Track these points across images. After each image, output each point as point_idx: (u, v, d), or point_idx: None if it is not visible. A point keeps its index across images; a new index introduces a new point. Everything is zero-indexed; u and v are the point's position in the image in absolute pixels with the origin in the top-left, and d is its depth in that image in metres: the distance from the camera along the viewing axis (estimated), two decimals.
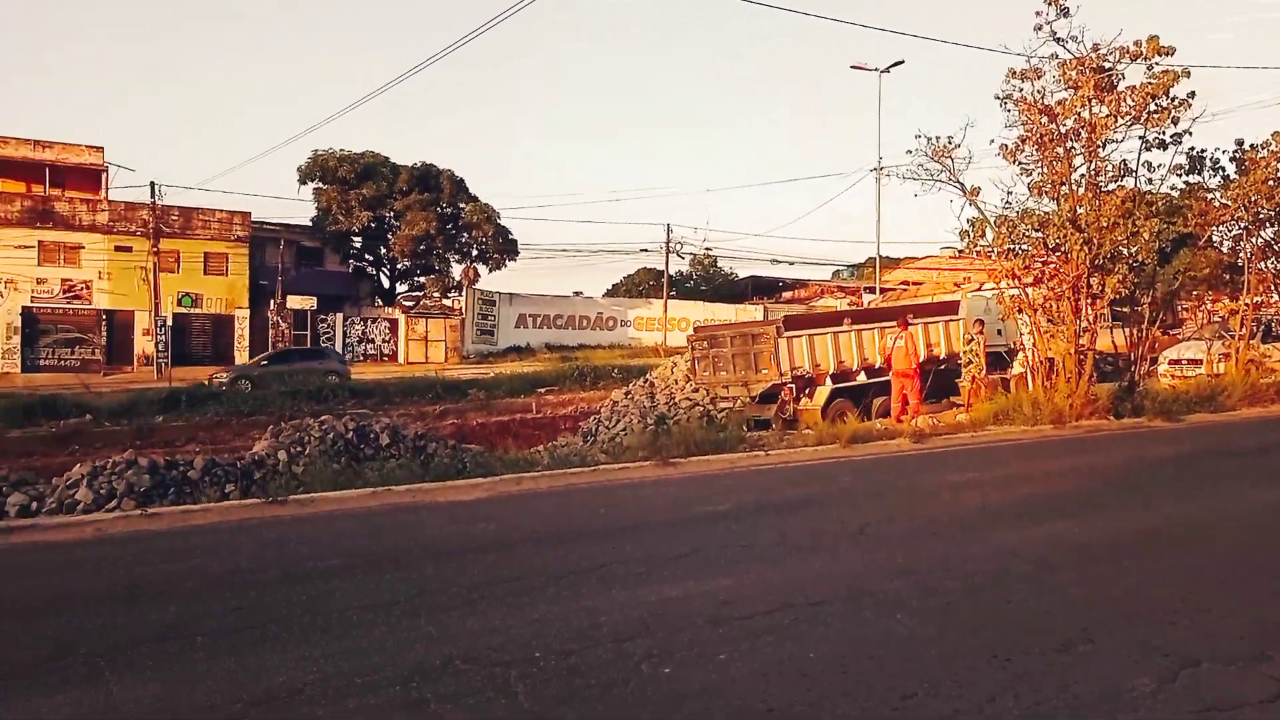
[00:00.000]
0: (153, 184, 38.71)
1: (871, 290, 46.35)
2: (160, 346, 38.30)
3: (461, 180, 49.74)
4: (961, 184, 16.92)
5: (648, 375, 22.10)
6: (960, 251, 21.49)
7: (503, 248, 50.10)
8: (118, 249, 39.38)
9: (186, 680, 4.78)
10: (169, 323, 39.47)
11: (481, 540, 7.85)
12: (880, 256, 43.44)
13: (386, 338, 46.42)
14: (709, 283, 70.07)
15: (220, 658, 5.10)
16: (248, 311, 42.40)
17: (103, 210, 39.68)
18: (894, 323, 18.10)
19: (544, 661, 5.04)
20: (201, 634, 5.45)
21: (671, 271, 56.60)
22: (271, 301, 42.55)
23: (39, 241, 37.93)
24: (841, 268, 68.86)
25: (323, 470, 13.38)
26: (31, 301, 37.84)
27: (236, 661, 5.04)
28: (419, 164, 48.79)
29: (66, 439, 20.41)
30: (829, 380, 18.27)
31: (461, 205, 49.38)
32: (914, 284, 49.29)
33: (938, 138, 16.95)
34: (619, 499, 9.69)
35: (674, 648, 5.26)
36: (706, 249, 58.95)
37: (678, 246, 53.20)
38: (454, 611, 5.87)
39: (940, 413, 17.67)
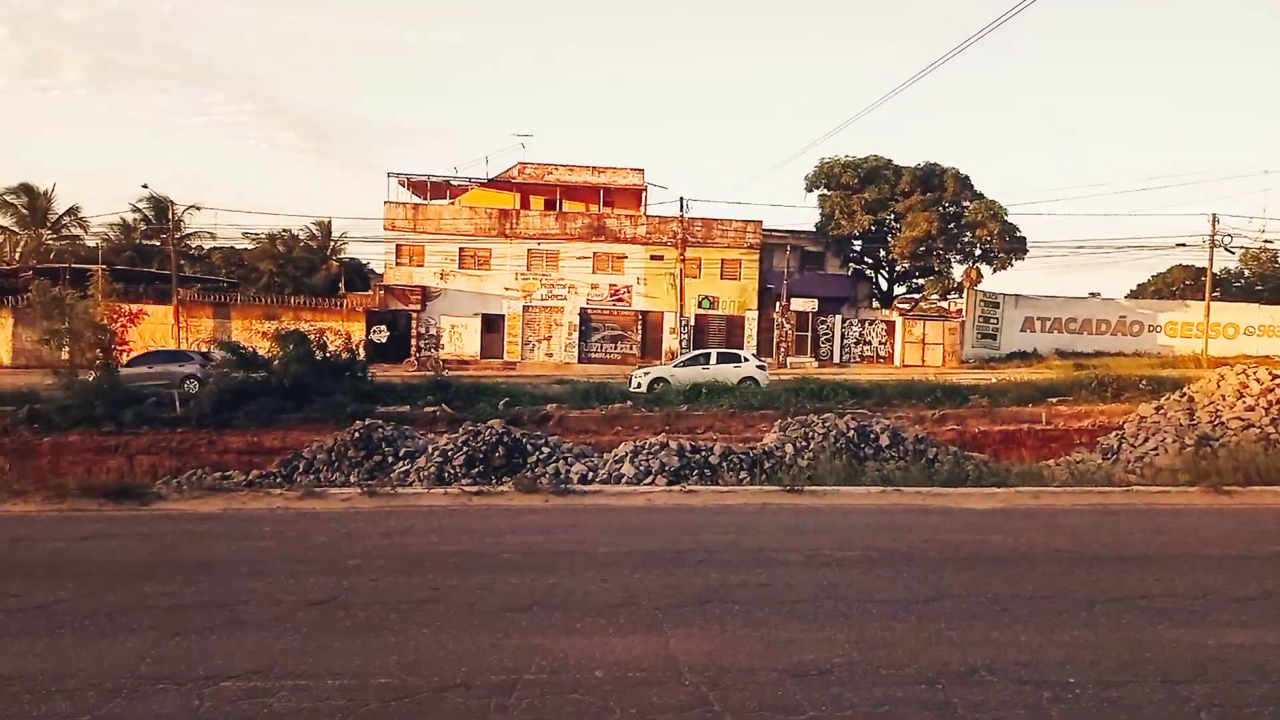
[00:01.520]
0: (681, 199, 43.77)
1: None
2: (683, 343, 43.05)
3: (966, 178, 48.04)
4: None
5: (1185, 389, 19.29)
6: None
7: (1009, 246, 47.36)
8: (652, 258, 44.95)
9: (729, 642, 5.30)
10: (691, 322, 44.26)
11: (999, 551, 7.53)
12: None
13: (883, 339, 46.62)
14: (1265, 281, 58.95)
15: (754, 626, 5.56)
16: (756, 313, 45.58)
17: (642, 224, 45.57)
18: None
19: (1080, 689, 4.70)
20: (737, 602, 6.00)
21: (1215, 269, 48.68)
22: (776, 304, 45.18)
23: (594, 253, 44.84)
24: None
25: (828, 465, 13.91)
26: (586, 303, 44.85)
27: (768, 632, 5.46)
28: (922, 164, 48.15)
29: (612, 420, 23.90)
30: None
31: (965, 204, 47.69)
32: None
33: None
34: (1159, 525, 8.62)
35: (1240, 701, 4.56)
36: (1265, 242, 49.67)
37: (1225, 239, 45.55)
38: (976, 620, 5.72)
39: None
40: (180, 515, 8.61)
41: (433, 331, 43.42)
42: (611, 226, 45.49)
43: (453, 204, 46.26)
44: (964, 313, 46.92)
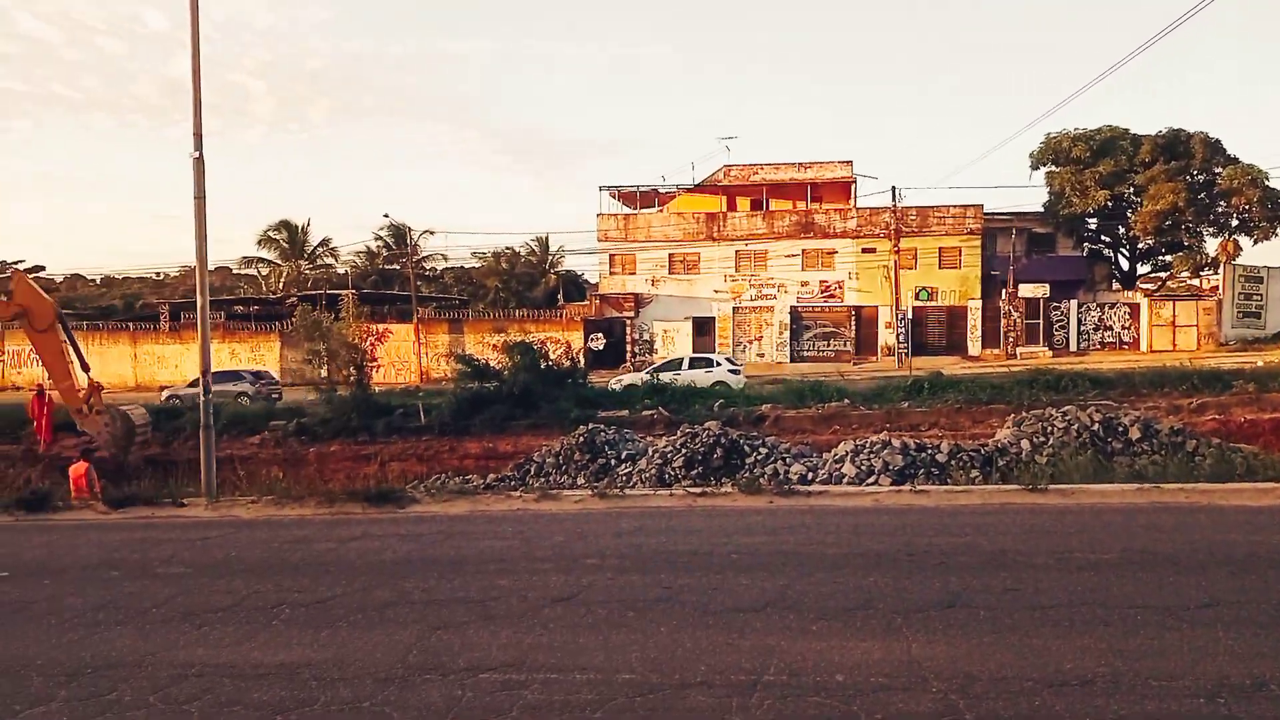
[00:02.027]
0: (893, 189, 42.41)
1: None
2: (900, 338, 41.54)
3: (1216, 142, 43.34)
4: None
5: None
6: None
7: (1271, 214, 42.27)
8: (864, 251, 43.76)
9: (976, 649, 5.06)
10: (908, 316, 42.62)
11: None
12: None
13: (1126, 324, 42.90)
14: None
15: (1003, 633, 5.28)
16: (979, 302, 43.27)
17: (851, 218, 44.49)
18: None
19: None
20: (983, 608, 5.71)
21: None
22: (1003, 291, 42.69)
23: (802, 250, 44.26)
24: None
25: (1070, 462, 12.97)
26: (796, 301, 44.32)
27: (1020, 639, 5.16)
28: (1164, 131, 43.93)
29: (829, 419, 23.45)
30: None
31: (1216, 171, 43.04)
32: None
33: None
34: None
35: None
36: None
37: None
38: (1260, 629, 5.17)
39: None
40: (433, 517, 9.30)
41: (646, 337, 44.43)
42: (820, 222, 44.73)
43: (661, 211, 47.16)
44: (1220, 290, 42.41)
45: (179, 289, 62.91)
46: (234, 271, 66.25)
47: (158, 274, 70.82)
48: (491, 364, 26.02)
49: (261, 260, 58.94)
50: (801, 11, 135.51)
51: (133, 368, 42.48)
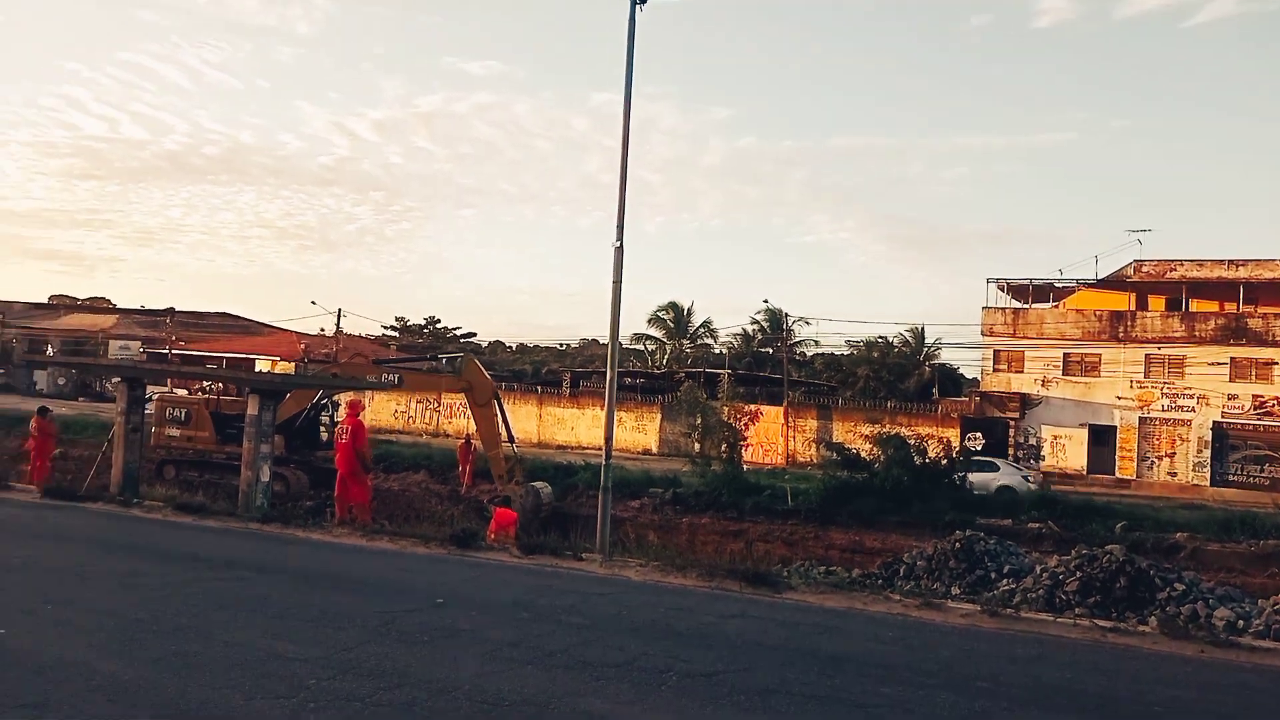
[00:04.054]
0: None
1: None
2: None
3: None
4: None
5: None
6: None
7: None
8: None
9: None
10: None
11: None
12: None
13: None
14: None
15: None
16: None
17: None
18: None
19: None
20: None
21: None
22: None
23: (1231, 358, 38.52)
24: None
25: None
26: (1222, 417, 38.49)
27: None
28: None
29: (1266, 559, 19.85)
30: None
31: None
32: None
33: None
34: None
35: None
36: None
37: None
38: None
39: None
40: (809, 607, 9.21)
41: (1032, 441, 41.08)
42: (1255, 327, 38.76)
43: (1056, 307, 43.79)
44: None
45: (578, 358, 69.84)
46: (623, 346, 72.24)
47: (561, 344, 79.28)
48: (861, 454, 25.59)
49: (649, 337, 63.62)
50: (1234, 91, 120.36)
51: (537, 426, 47.55)
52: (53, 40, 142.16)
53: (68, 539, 11.43)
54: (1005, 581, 16.19)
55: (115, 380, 25.81)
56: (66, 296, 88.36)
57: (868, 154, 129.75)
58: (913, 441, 25.61)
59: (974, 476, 27.57)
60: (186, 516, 13.52)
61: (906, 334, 57.88)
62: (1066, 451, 40.11)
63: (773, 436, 43.08)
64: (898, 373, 56.51)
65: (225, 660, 6.31)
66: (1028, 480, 29.42)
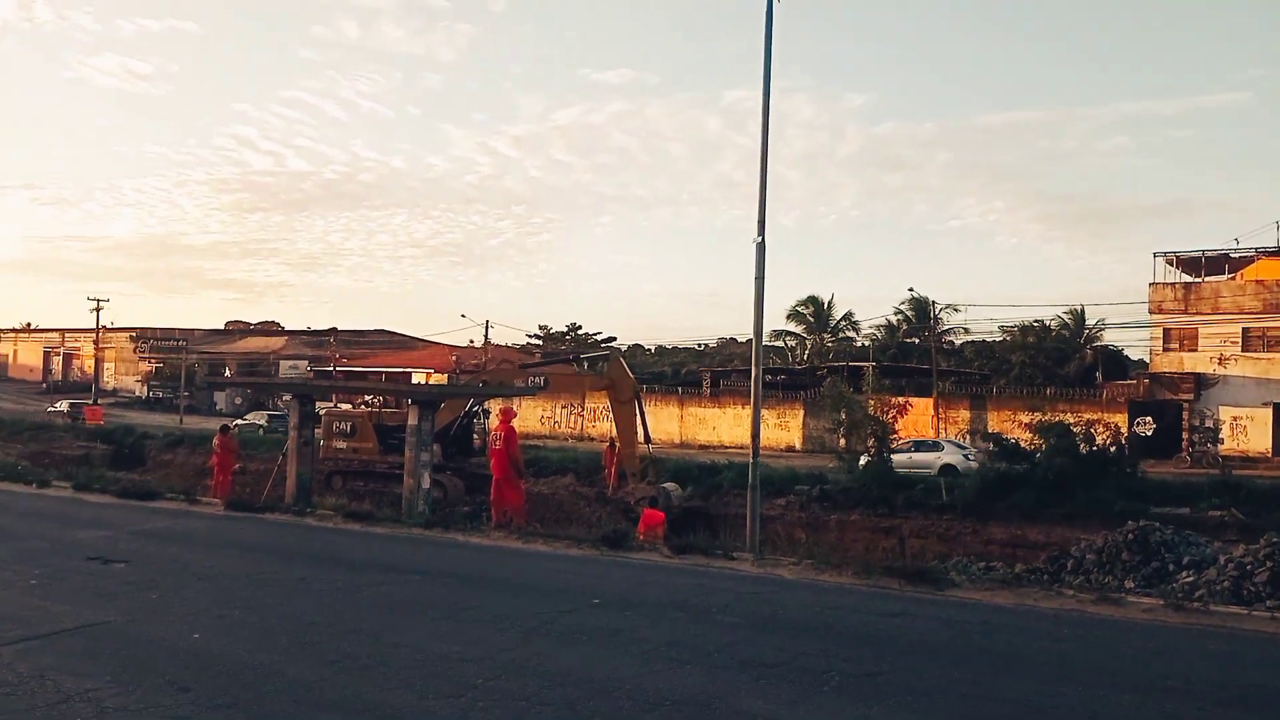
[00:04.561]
0: None
1: None
2: None
3: None
4: None
5: None
6: None
7: None
8: None
9: None
10: None
11: None
12: None
13: None
14: None
15: None
16: None
17: None
18: None
19: None
20: None
21: None
22: None
23: None
24: None
25: None
26: None
27: None
28: None
29: None
30: None
31: None
32: None
33: None
34: None
35: None
36: None
37: None
38: None
39: None
40: (974, 604, 8.82)
41: (1208, 424, 38.17)
42: None
43: (1233, 279, 40.59)
44: None
45: (717, 358, 69.66)
46: (763, 344, 71.63)
47: (699, 344, 79.31)
48: (1020, 444, 24.39)
49: (789, 333, 62.81)
50: None
51: (679, 427, 47.77)
52: (225, 84, 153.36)
53: (249, 548, 12.22)
54: (1185, 574, 15.07)
55: (287, 397, 27.53)
56: (240, 322, 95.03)
57: (1017, 130, 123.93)
58: (1077, 429, 24.21)
59: (917, 456, 29.17)
60: (355, 524, 14.24)
61: (1064, 316, 54.93)
62: (1248, 433, 37.10)
63: (922, 428, 41.70)
64: (1056, 358, 53.65)
65: (395, 661, 6.58)
66: (969, 459, 29.20)
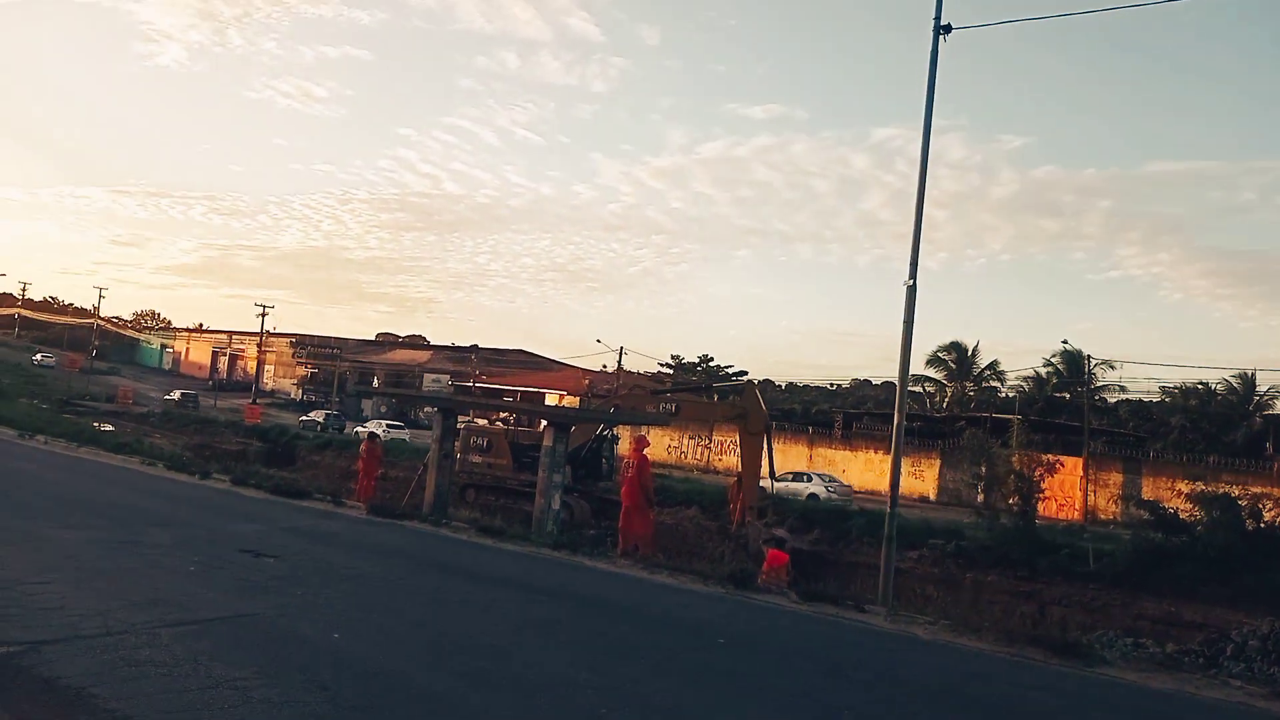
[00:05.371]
0: None
1: None
2: None
3: None
4: None
5: None
6: None
7: None
8: None
9: None
10: None
11: None
12: None
13: None
14: None
15: None
16: None
17: None
18: None
19: None
20: None
21: None
22: None
23: None
24: None
25: None
26: None
27: None
28: None
29: None
30: None
31: None
32: None
33: None
34: None
35: None
36: None
37: None
38: None
39: None
40: (1128, 686, 8.18)
41: None
42: None
43: None
44: None
45: (849, 399, 68.17)
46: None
47: (831, 384, 77.81)
48: (1178, 514, 22.73)
49: (928, 379, 60.81)
50: None
51: (807, 466, 46.76)
52: (392, 109, 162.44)
53: (389, 553, 12.65)
54: None
55: (429, 409, 28.48)
56: (390, 334, 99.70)
57: (1187, 180, 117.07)
58: (1243, 502, 22.39)
59: (792, 485, 33.16)
60: (487, 539, 14.55)
61: (1232, 380, 50.95)
62: None
63: (1069, 490, 39.44)
64: (1220, 424, 49.82)
65: (524, 681, 6.63)
66: (831, 491, 33.76)
